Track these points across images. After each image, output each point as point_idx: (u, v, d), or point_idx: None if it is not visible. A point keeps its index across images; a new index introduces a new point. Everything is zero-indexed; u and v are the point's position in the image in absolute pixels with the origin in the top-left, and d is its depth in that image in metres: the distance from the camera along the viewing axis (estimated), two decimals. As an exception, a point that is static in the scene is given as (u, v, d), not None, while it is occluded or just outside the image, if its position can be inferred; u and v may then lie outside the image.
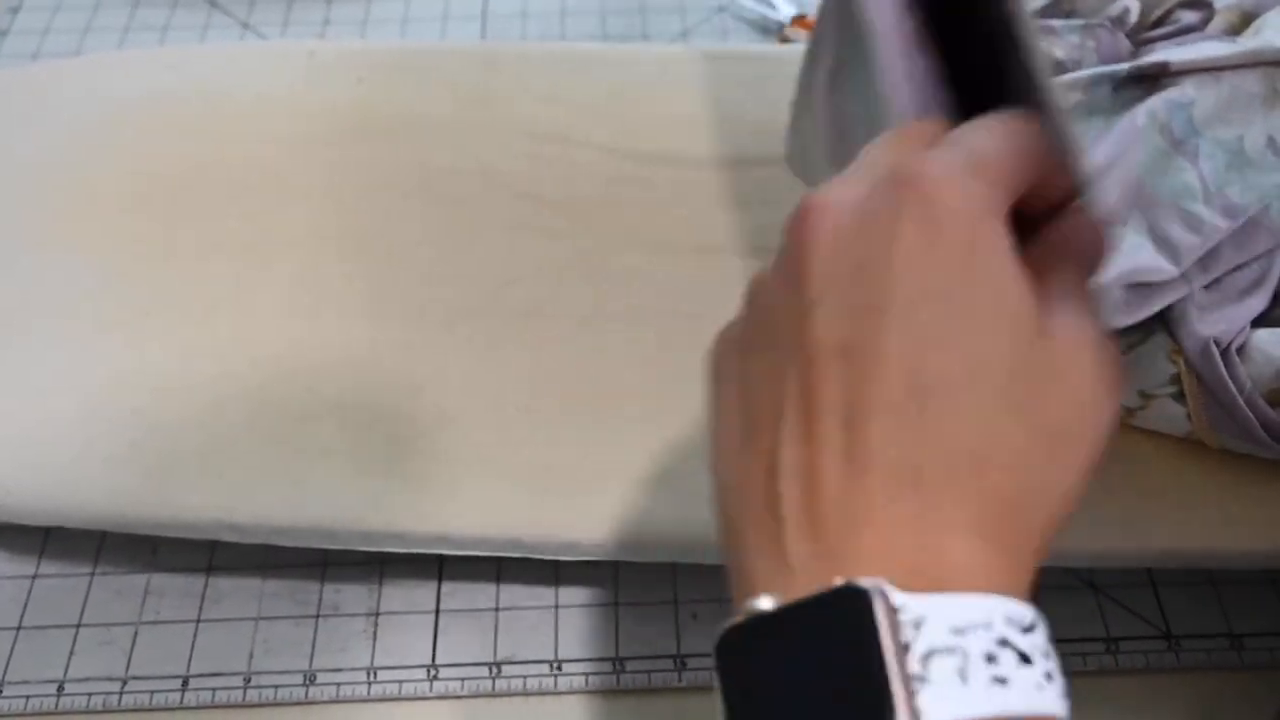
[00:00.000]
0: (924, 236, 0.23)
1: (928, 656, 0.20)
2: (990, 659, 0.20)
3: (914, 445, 0.22)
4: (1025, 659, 0.21)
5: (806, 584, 0.21)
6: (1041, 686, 0.21)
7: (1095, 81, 0.47)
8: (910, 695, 0.20)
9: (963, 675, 0.20)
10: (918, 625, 0.20)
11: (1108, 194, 0.42)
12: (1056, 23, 0.55)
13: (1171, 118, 0.43)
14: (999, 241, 0.24)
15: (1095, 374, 0.25)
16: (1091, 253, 0.27)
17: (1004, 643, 0.21)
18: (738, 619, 0.22)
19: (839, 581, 0.21)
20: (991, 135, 0.26)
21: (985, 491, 0.22)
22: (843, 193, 0.25)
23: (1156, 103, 0.43)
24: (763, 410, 0.24)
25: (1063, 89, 0.35)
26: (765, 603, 0.22)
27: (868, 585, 0.20)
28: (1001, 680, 0.20)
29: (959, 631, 0.20)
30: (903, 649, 0.20)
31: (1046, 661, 0.22)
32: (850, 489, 0.22)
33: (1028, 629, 0.22)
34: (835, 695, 0.20)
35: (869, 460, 0.22)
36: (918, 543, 0.22)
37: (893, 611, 0.20)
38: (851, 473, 0.22)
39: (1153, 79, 0.46)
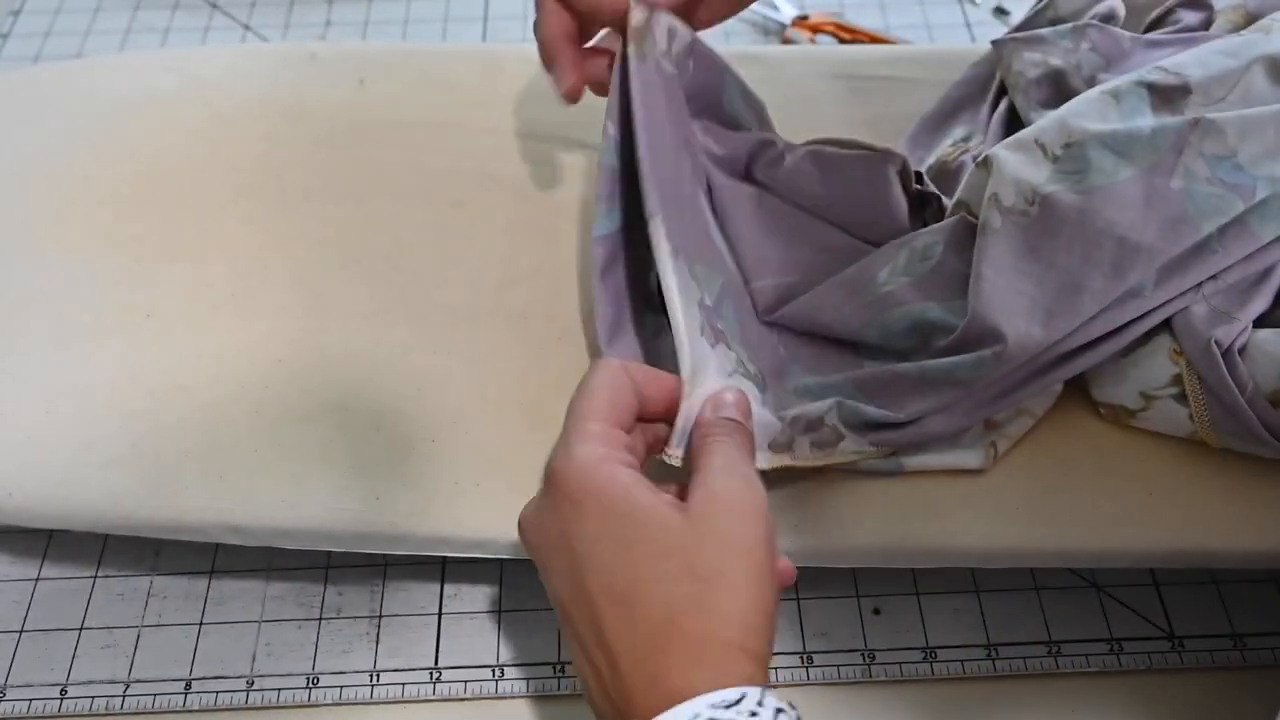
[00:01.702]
0: (575, 513, 0.35)
1: None
2: None
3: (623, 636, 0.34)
4: None
5: None
6: None
7: (1123, 97, 0.46)
8: None
9: None
10: None
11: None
12: (1045, 31, 0.55)
13: (1215, 171, 0.43)
14: (616, 485, 0.35)
15: (729, 519, 0.35)
16: (702, 433, 0.39)
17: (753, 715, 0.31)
18: None
19: None
20: (589, 397, 0.39)
21: (682, 634, 0.33)
22: (529, 508, 0.39)
23: (1197, 166, 0.43)
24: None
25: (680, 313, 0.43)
26: None
27: None
28: None
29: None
30: None
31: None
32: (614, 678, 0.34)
33: (731, 704, 0.31)
34: None
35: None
36: (646, 688, 0.32)
37: None
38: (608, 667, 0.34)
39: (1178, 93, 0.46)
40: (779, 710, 0.31)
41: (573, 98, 0.48)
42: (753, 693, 0.31)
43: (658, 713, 0.31)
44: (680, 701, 0.31)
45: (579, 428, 0.37)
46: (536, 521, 0.37)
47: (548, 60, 0.48)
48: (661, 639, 0.33)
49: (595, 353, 0.50)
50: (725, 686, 0.31)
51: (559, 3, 0.46)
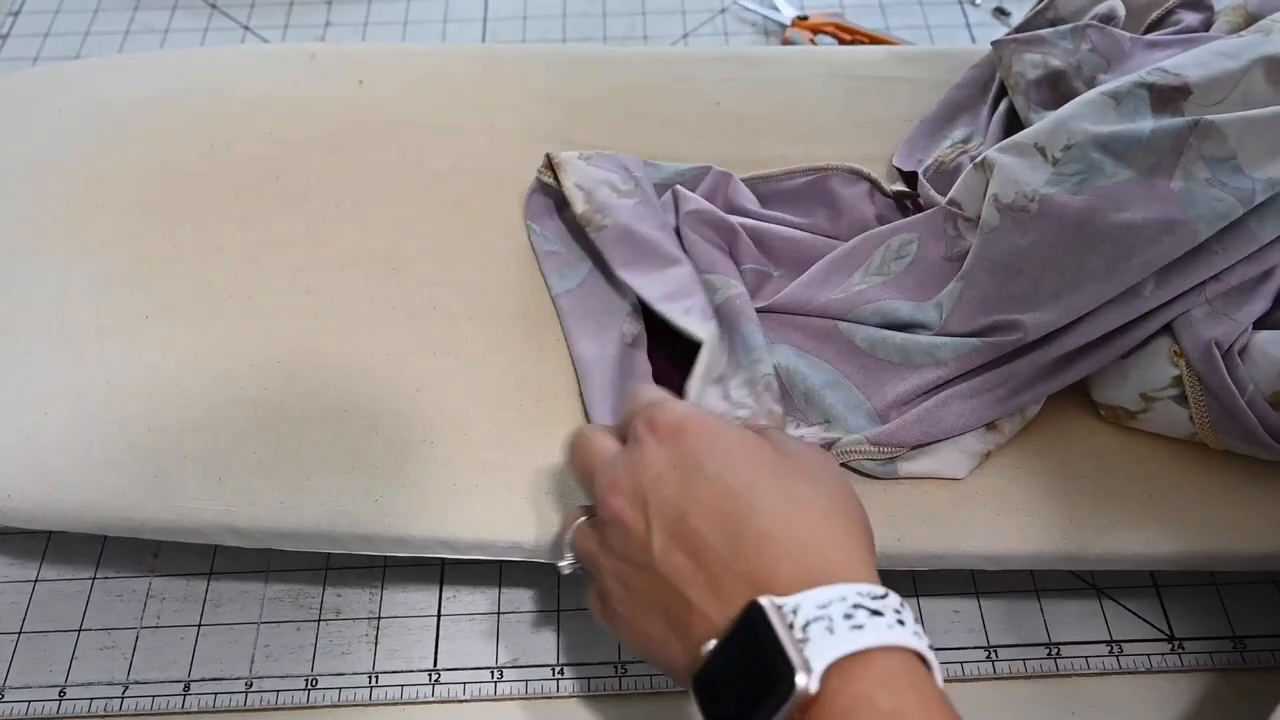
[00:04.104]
0: (706, 438, 0.36)
1: (805, 626, 0.30)
2: (848, 617, 0.30)
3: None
4: (877, 614, 0.30)
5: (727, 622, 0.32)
6: (892, 627, 0.30)
7: (1123, 99, 0.46)
8: (800, 651, 0.30)
9: (830, 630, 0.30)
10: (795, 610, 0.30)
11: None
12: (1045, 32, 0.55)
13: (1215, 173, 0.43)
14: (722, 422, 0.38)
15: (821, 462, 0.37)
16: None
17: (857, 606, 0.30)
18: (697, 665, 0.33)
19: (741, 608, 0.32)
20: (642, 390, 0.40)
21: (830, 532, 0.34)
22: (615, 465, 0.38)
23: (1196, 167, 0.44)
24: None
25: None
26: (710, 644, 0.32)
27: (759, 600, 0.31)
28: (858, 627, 0.30)
29: (824, 607, 0.30)
30: (788, 627, 0.30)
31: (896, 615, 0.31)
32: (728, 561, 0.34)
33: (878, 597, 0.31)
34: (760, 671, 0.30)
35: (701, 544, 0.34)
36: (791, 571, 0.32)
37: (778, 608, 0.31)
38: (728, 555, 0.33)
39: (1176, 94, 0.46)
40: (917, 632, 0.31)
41: None
42: (895, 596, 0.32)
43: (801, 590, 0.31)
44: (827, 585, 0.31)
45: (657, 394, 0.39)
46: (642, 460, 0.36)
47: None
48: (809, 531, 0.33)
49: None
50: (861, 581, 0.31)
51: None
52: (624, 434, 0.39)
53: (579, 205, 0.52)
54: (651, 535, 0.35)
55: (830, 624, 0.30)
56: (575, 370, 0.49)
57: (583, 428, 0.41)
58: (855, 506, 0.36)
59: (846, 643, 0.29)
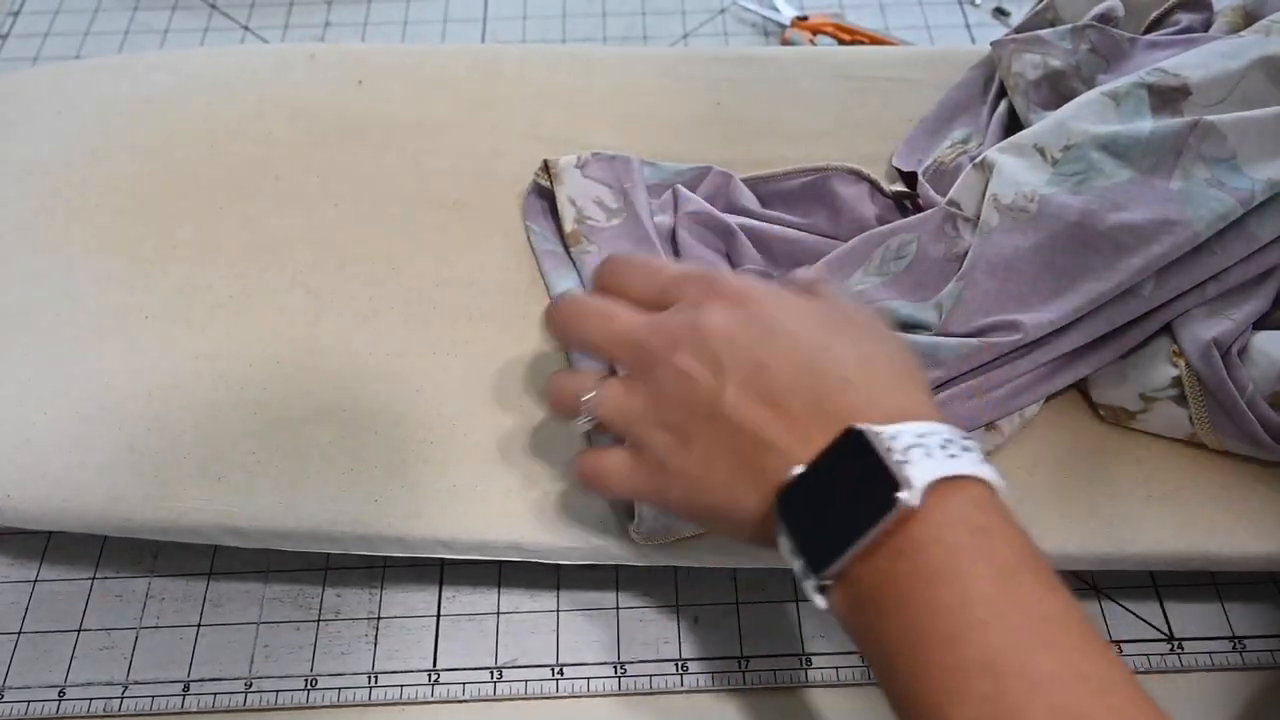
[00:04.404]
0: (771, 296, 0.38)
1: (905, 450, 0.31)
2: (944, 448, 0.31)
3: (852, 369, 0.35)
4: (967, 449, 0.32)
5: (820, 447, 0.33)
6: (981, 462, 0.32)
7: (1122, 99, 0.47)
8: (901, 469, 0.31)
9: (929, 455, 0.31)
10: (894, 437, 0.32)
11: None
12: (1044, 32, 0.55)
13: (1214, 173, 0.43)
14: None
15: (872, 316, 0.39)
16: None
17: (950, 441, 0.32)
18: (788, 481, 0.33)
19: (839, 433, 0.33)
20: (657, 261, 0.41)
21: (912, 375, 0.36)
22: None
23: (1196, 168, 0.44)
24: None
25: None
26: (798, 468, 0.33)
27: (858, 426, 0.32)
28: (954, 456, 0.31)
29: (921, 436, 0.32)
30: (888, 450, 0.31)
31: (981, 454, 0.32)
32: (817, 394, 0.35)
33: (966, 437, 0.33)
34: (857, 490, 0.31)
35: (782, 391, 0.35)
36: (881, 411, 0.33)
37: (876, 434, 0.32)
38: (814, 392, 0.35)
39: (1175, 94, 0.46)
40: (997, 471, 0.32)
41: None
42: (976, 442, 0.33)
43: (893, 422, 0.32)
44: (919, 420, 0.32)
45: (678, 268, 0.40)
46: (706, 319, 0.36)
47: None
48: (887, 378, 0.35)
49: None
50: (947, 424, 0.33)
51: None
52: (644, 297, 0.39)
53: (568, 223, 0.53)
54: (724, 385, 0.35)
55: (928, 450, 0.31)
56: None
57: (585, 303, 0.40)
58: (911, 356, 0.38)
59: (945, 467, 0.31)
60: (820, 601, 0.33)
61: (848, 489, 0.32)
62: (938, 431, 0.32)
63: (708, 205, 0.53)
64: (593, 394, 0.39)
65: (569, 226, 0.53)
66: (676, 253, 0.52)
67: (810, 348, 0.35)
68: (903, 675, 0.30)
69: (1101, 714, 0.27)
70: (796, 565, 0.33)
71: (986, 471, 0.32)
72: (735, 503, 0.35)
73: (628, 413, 0.38)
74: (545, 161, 0.54)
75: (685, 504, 0.37)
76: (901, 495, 0.30)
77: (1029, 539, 0.31)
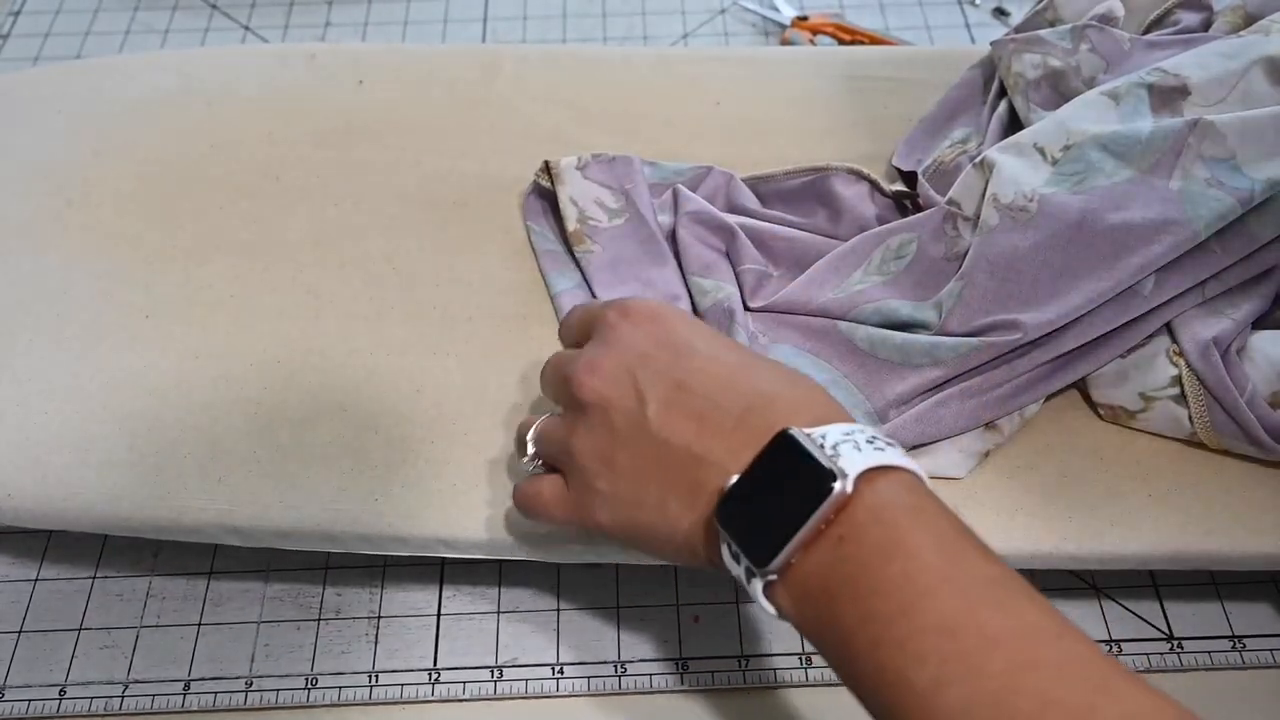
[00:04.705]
0: (668, 321, 0.39)
1: (835, 446, 0.33)
2: (870, 443, 0.33)
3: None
4: (891, 445, 0.34)
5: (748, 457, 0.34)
6: (905, 456, 0.33)
7: (1122, 99, 0.47)
8: (833, 462, 0.32)
9: (858, 448, 0.33)
10: (823, 436, 0.33)
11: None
12: (1044, 32, 0.55)
13: (1214, 173, 0.43)
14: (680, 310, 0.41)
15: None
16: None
17: (875, 438, 0.33)
18: (714, 503, 0.34)
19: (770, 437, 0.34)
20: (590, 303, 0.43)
21: (809, 391, 0.37)
22: (578, 361, 0.40)
23: (1196, 167, 0.44)
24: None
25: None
26: (734, 477, 0.34)
27: (789, 429, 0.33)
28: (880, 449, 0.33)
29: (848, 434, 0.33)
30: (820, 447, 0.33)
31: (903, 450, 0.34)
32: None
33: (889, 439, 0.34)
34: (792, 487, 0.32)
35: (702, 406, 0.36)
36: (807, 418, 0.34)
37: (807, 434, 0.33)
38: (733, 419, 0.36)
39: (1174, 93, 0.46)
40: (920, 468, 0.34)
41: None
42: (898, 443, 0.34)
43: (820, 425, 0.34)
44: (825, 425, 0.34)
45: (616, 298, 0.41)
46: (622, 342, 0.38)
47: None
48: (804, 392, 0.36)
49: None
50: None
51: None
52: (583, 339, 0.41)
53: (570, 223, 0.53)
54: (646, 404, 0.36)
55: (856, 444, 0.33)
56: None
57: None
58: (812, 377, 0.39)
59: (874, 458, 0.32)
60: (768, 606, 0.33)
61: (784, 488, 0.33)
62: (863, 430, 0.33)
63: (708, 205, 0.53)
64: (534, 427, 0.41)
65: (571, 226, 0.53)
66: (677, 253, 0.52)
67: (730, 366, 0.37)
68: (861, 654, 0.30)
69: (1056, 658, 0.28)
70: (740, 571, 0.34)
71: (911, 464, 0.33)
72: (668, 520, 0.36)
73: (558, 442, 0.39)
74: (546, 162, 0.55)
75: (616, 525, 0.37)
76: (835, 485, 0.31)
77: (959, 517, 0.33)
